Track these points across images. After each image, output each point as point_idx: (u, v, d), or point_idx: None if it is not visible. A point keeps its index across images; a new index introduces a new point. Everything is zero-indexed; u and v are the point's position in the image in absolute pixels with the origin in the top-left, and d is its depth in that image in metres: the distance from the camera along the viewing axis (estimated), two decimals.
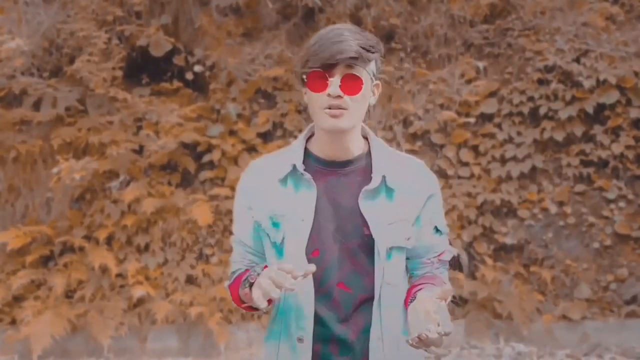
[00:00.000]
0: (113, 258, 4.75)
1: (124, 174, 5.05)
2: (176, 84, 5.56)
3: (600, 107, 5.09)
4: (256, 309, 1.40)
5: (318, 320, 1.40)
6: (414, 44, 5.80)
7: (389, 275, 1.42)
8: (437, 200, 1.50)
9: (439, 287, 1.40)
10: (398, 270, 1.45)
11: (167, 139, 5.03)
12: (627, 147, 5.01)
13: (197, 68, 5.55)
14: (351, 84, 1.36)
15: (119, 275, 4.77)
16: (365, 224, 1.40)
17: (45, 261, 4.93)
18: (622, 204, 4.97)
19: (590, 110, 5.05)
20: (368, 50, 1.37)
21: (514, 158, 5.12)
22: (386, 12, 5.80)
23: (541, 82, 5.24)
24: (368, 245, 1.40)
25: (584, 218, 4.99)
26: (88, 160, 4.94)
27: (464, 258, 4.89)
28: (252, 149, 5.26)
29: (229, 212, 4.87)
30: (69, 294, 4.76)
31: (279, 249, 1.42)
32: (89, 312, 4.60)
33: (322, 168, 1.45)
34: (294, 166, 1.44)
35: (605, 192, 5.00)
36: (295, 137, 5.22)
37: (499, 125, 5.25)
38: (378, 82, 1.45)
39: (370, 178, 1.43)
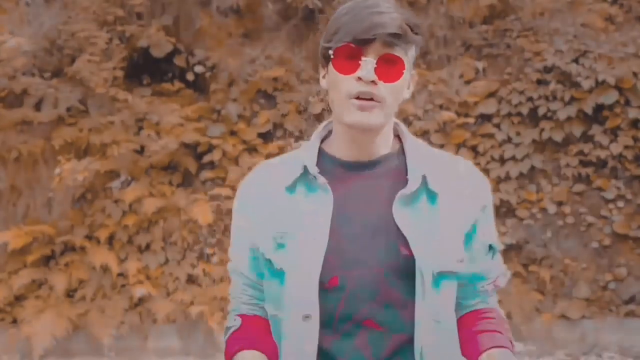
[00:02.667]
0: (114, 257, 4.77)
1: (125, 174, 5.07)
2: (177, 84, 5.58)
3: (599, 108, 5.10)
4: None
5: None
6: None
7: (435, 310, 1.07)
8: (490, 212, 1.18)
9: (505, 336, 1.13)
10: (447, 303, 1.10)
11: (168, 139, 5.05)
12: (626, 147, 5.02)
13: (198, 69, 5.57)
14: (390, 68, 1.05)
15: (120, 274, 4.78)
16: (402, 240, 1.06)
17: (47, 261, 4.94)
18: (620, 203, 4.99)
19: (589, 110, 5.06)
20: (412, 30, 1.07)
21: (513, 158, 5.14)
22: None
23: (540, 82, 5.25)
24: (407, 269, 1.06)
25: (582, 218, 5.00)
26: (89, 161, 4.95)
27: None
28: (252, 149, 5.28)
29: (230, 211, 4.86)
30: (70, 294, 4.78)
31: (284, 276, 1.08)
32: (90, 311, 4.62)
33: (342, 171, 1.12)
34: (305, 168, 1.11)
35: (603, 192, 5.02)
36: (296, 137, 5.24)
37: (498, 126, 5.27)
38: (414, 72, 1.15)
39: (406, 181, 1.10)
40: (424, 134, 5.32)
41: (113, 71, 5.32)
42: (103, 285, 4.75)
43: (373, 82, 1.05)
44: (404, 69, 1.07)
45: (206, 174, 5.21)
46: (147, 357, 4.58)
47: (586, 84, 5.06)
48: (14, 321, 4.67)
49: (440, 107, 5.37)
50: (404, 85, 1.11)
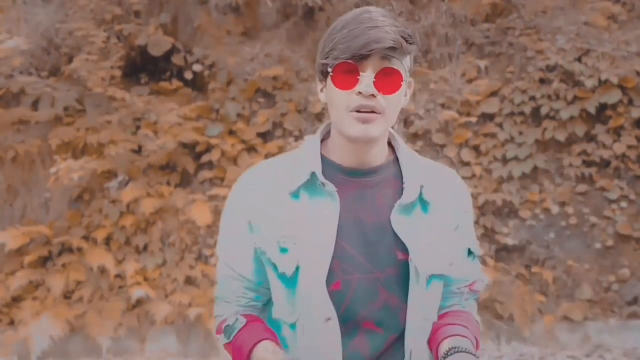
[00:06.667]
0: (112, 258, 4.73)
1: (123, 174, 5.03)
2: (175, 83, 5.53)
3: (602, 107, 5.07)
4: None
5: None
6: None
7: (426, 310, 1.18)
8: (470, 218, 1.27)
9: (470, 335, 1.21)
10: (435, 302, 1.20)
11: (165, 138, 5.01)
12: (629, 147, 4.99)
13: (196, 67, 5.52)
14: (388, 81, 1.10)
15: (117, 275, 4.74)
16: (399, 246, 1.14)
17: (44, 262, 4.90)
18: (623, 204, 4.94)
19: (591, 110, 5.02)
20: (407, 40, 1.11)
21: (516, 158, 5.09)
22: (387, 11, 5.77)
23: (543, 81, 5.21)
24: (402, 273, 1.14)
25: (585, 218, 4.96)
26: (86, 160, 4.91)
27: None
28: (251, 149, 5.23)
29: None
30: (67, 295, 4.74)
31: (291, 282, 1.13)
32: (87, 312, 4.58)
33: (343, 178, 1.17)
34: (313, 175, 1.14)
35: (607, 192, 4.98)
36: (296, 137, 5.20)
37: (500, 125, 5.22)
38: (411, 79, 1.20)
39: (402, 190, 1.17)
40: (425, 134, 5.28)
41: (111, 70, 5.27)
42: (100, 286, 4.71)
43: (372, 95, 1.10)
44: (402, 80, 1.12)
45: (205, 174, 5.17)
46: (145, 359, 4.54)
47: (589, 83, 5.03)
48: (11, 322, 4.63)
49: (442, 106, 5.32)
50: (402, 94, 1.16)
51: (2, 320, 4.67)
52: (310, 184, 1.15)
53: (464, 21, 5.77)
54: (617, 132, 5.05)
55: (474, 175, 5.12)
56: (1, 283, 4.71)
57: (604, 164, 5.05)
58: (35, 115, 5.28)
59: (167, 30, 5.59)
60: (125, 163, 5.03)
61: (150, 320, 4.60)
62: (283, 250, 1.13)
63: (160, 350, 4.58)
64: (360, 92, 1.09)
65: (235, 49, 5.64)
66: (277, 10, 5.74)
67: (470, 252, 1.26)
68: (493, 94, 5.32)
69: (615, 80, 4.98)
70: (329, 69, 1.12)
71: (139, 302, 4.65)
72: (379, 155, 1.20)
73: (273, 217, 1.15)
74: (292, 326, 1.16)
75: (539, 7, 5.67)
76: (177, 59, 5.56)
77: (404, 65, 1.13)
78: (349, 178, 1.18)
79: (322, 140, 1.23)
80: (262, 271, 1.19)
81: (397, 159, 1.23)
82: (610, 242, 4.86)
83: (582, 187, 5.03)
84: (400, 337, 1.16)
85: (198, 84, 5.61)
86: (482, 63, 5.47)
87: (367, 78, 1.09)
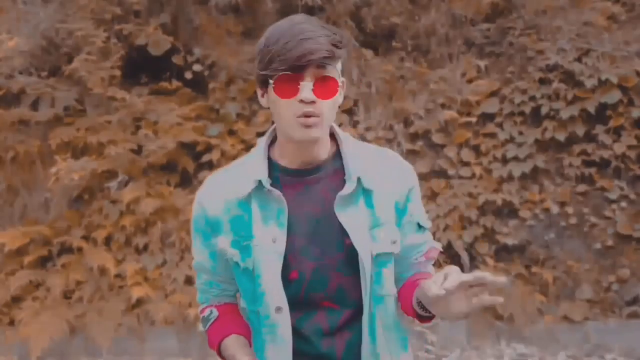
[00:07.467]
0: (111, 259, 4.73)
1: (123, 174, 5.02)
2: (175, 83, 5.53)
3: (602, 107, 5.06)
4: None
5: (301, 336, 1.30)
6: (415, 42, 5.77)
7: (378, 286, 1.30)
8: (416, 193, 1.38)
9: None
10: (387, 279, 1.33)
11: (166, 138, 5.00)
12: (629, 147, 4.98)
13: (196, 67, 5.52)
14: (326, 87, 1.22)
15: (117, 276, 4.75)
16: (345, 233, 1.27)
17: (44, 262, 4.91)
18: (623, 204, 4.94)
19: (592, 110, 5.02)
20: (337, 47, 1.22)
21: (516, 158, 5.09)
22: (387, 10, 5.77)
23: (543, 81, 5.21)
24: (352, 256, 1.27)
25: (585, 218, 4.96)
26: (86, 160, 4.91)
27: (465, 259, 4.86)
28: (251, 149, 5.23)
29: None
30: (67, 295, 4.74)
31: (252, 276, 1.29)
32: (87, 313, 4.58)
33: (290, 178, 1.31)
34: (260, 182, 1.29)
35: (607, 192, 4.97)
36: None
37: (500, 125, 5.22)
38: (344, 79, 1.30)
39: (344, 182, 1.30)
40: (425, 134, 5.28)
41: (110, 70, 5.27)
42: (100, 286, 4.71)
43: (313, 101, 1.20)
44: (338, 86, 1.24)
45: (205, 174, 5.16)
46: (145, 359, 4.54)
47: (589, 83, 5.02)
48: (11, 322, 4.64)
49: (442, 106, 5.32)
50: (339, 96, 1.27)
51: (2, 320, 4.68)
52: (259, 189, 1.29)
53: (464, 21, 5.76)
54: (617, 132, 5.04)
55: (473, 176, 5.12)
56: (1, 283, 4.71)
57: (604, 164, 5.05)
58: (35, 115, 5.27)
59: (167, 30, 5.57)
60: (125, 163, 5.03)
61: (150, 320, 4.60)
62: (242, 250, 1.29)
63: (160, 350, 4.58)
64: (302, 100, 1.20)
65: (235, 49, 5.63)
66: (277, 10, 5.72)
67: (420, 226, 1.38)
68: (493, 94, 5.31)
69: (615, 80, 4.97)
70: (270, 80, 1.22)
71: (139, 302, 4.65)
72: (322, 152, 1.31)
73: (231, 221, 1.30)
74: (257, 314, 1.32)
75: (539, 7, 5.66)
76: (177, 59, 5.55)
77: (337, 69, 1.24)
78: (294, 178, 1.31)
79: (271, 143, 1.37)
80: (227, 267, 1.35)
81: (339, 151, 1.34)
82: (610, 242, 4.86)
83: (582, 187, 5.02)
84: (358, 310, 1.29)
85: (198, 84, 5.60)
86: (482, 63, 5.46)
87: (306, 87, 1.20)
